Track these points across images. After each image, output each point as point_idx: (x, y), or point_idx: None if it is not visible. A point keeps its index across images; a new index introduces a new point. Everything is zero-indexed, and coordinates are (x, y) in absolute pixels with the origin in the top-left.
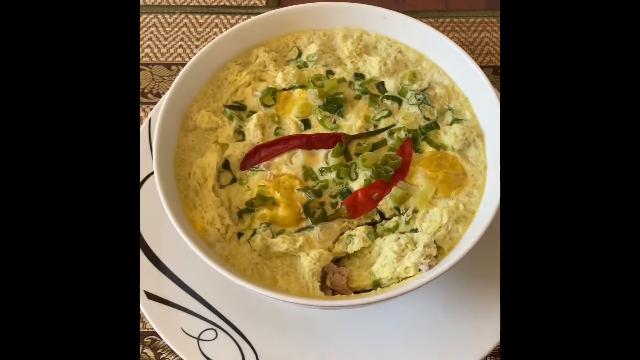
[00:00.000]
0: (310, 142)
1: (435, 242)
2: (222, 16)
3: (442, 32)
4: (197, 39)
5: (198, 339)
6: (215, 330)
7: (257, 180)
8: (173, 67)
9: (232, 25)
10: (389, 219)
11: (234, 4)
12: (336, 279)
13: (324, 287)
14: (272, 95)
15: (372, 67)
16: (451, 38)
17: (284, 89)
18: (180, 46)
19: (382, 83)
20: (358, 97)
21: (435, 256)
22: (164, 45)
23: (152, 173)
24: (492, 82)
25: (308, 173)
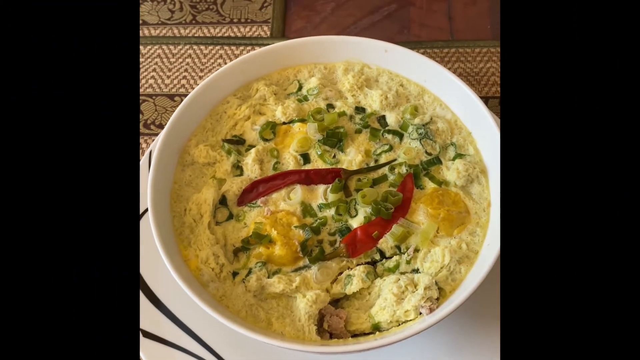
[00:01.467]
0: (309, 178)
1: (436, 283)
2: (226, 47)
3: (448, 62)
4: (201, 70)
5: None
6: None
7: (254, 216)
8: (176, 98)
9: (236, 56)
10: (390, 258)
11: (239, 35)
12: (334, 322)
13: (321, 330)
14: (272, 129)
15: (373, 101)
16: (457, 68)
17: (284, 123)
18: (184, 77)
19: (383, 117)
20: (359, 131)
21: (437, 298)
22: (168, 77)
23: None
24: (498, 114)
25: (306, 209)
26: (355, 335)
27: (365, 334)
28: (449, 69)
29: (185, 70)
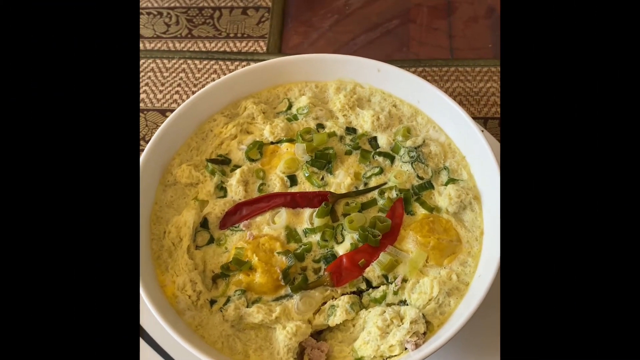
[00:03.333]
0: (295, 201)
1: (424, 316)
2: (221, 62)
3: (447, 81)
4: (195, 85)
5: None
6: None
7: (235, 240)
8: (167, 114)
9: (230, 71)
10: (376, 287)
11: (235, 50)
12: (315, 356)
13: None
14: (259, 148)
15: (364, 122)
16: (456, 88)
17: (272, 143)
18: (177, 92)
19: (375, 138)
20: (349, 153)
21: (424, 333)
22: (160, 91)
23: None
24: (498, 135)
25: (291, 234)
26: None
27: None
28: (448, 88)
29: (179, 85)
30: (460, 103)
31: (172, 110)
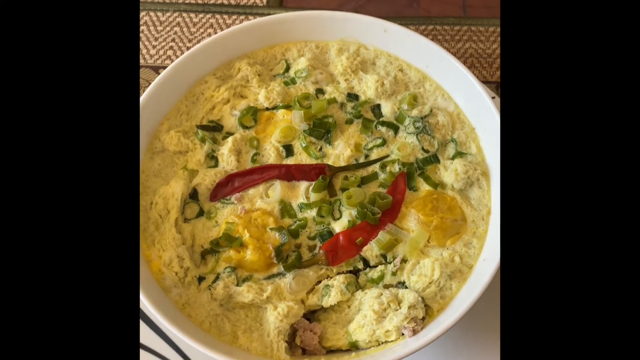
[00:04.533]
0: (290, 173)
1: (423, 300)
2: (217, 15)
3: (459, 41)
4: (189, 40)
5: None
6: None
7: (226, 214)
8: (161, 71)
9: (228, 26)
10: (374, 267)
11: (232, 2)
12: (307, 338)
13: (293, 346)
14: (253, 115)
15: (367, 87)
16: (467, 49)
17: (267, 109)
18: (171, 47)
19: (378, 106)
20: (349, 122)
21: (422, 318)
22: (154, 46)
23: None
24: None
25: (285, 209)
26: (331, 351)
27: (341, 351)
28: (459, 49)
29: (173, 40)
30: (472, 66)
31: (165, 68)
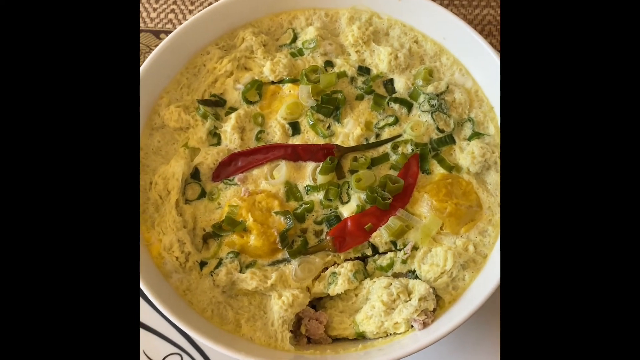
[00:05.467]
0: (297, 153)
1: (434, 290)
2: None
3: (476, 7)
4: (192, 3)
5: None
6: (180, 356)
7: (229, 196)
8: (162, 36)
9: None
10: (383, 254)
11: None
12: (312, 327)
13: (298, 334)
14: (257, 89)
15: (380, 60)
16: (485, 15)
17: (272, 82)
18: (172, 10)
19: (391, 81)
20: (360, 98)
21: (433, 310)
22: (154, 9)
23: None
24: None
25: (291, 191)
26: (337, 339)
27: (348, 340)
28: (477, 15)
29: (174, 2)
30: (490, 34)
31: (167, 32)
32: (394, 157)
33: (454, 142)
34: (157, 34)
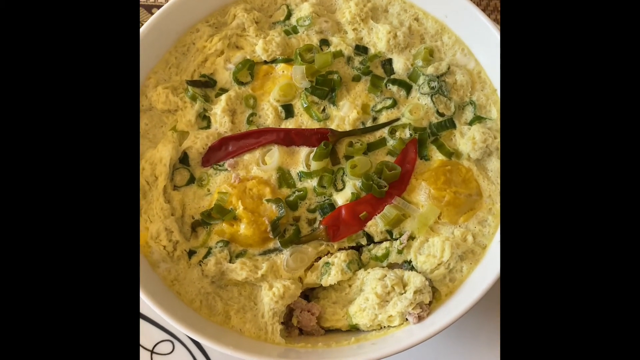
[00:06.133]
0: (290, 138)
1: (430, 281)
2: None
3: None
4: None
5: (152, 352)
6: (172, 343)
7: (219, 182)
8: (154, 10)
9: None
10: (378, 243)
11: None
12: (304, 319)
13: (289, 325)
14: (249, 69)
15: (378, 39)
16: None
17: (265, 62)
18: None
19: (389, 61)
20: (357, 79)
21: (429, 303)
22: None
23: None
24: None
25: (284, 177)
26: (330, 331)
27: (341, 332)
28: None
29: None
30: (495, 9)
31: (159, 7)
32: (391, 142)
33: (454, 126)
34: (149, 9)
